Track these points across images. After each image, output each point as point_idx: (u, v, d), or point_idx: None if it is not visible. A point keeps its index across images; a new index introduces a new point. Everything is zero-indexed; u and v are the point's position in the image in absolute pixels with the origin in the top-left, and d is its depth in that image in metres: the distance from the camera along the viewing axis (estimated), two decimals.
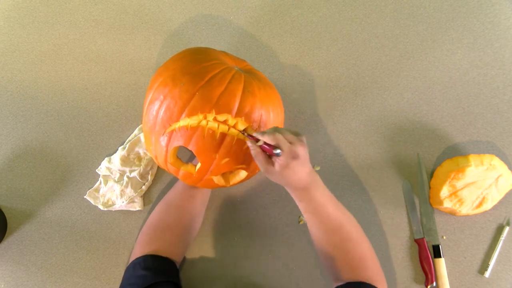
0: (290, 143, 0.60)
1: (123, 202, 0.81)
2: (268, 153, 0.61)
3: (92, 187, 0.84)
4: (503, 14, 0.89)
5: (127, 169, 0.82)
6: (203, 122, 0.64)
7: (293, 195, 0.67)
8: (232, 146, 0.65)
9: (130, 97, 0.88)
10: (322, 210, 0.66)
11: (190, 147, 0.65)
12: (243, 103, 0.65)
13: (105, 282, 0.81)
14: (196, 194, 0.77)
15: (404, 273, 0.80)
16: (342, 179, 0.84)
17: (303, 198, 0.66)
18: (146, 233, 0.74)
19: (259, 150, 0.62)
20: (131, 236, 0.83)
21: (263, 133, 0.61)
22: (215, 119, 0.64)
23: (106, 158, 0.84)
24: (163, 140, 0.66)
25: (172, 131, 0.65)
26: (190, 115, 0.63)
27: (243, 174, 0.71)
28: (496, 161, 0.79)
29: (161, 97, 0.65)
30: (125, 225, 0.83)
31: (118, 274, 0.81)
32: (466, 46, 0.88)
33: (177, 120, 0.64)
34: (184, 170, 0.69)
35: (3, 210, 0.83)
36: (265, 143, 0.61)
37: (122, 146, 0.84)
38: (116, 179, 0.83)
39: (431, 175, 0.83)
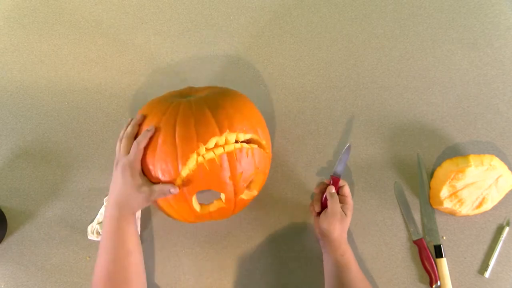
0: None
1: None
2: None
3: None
4: (503, 14, 0.89)
5: None
6: (200, 159, 0.64)
7: (330, 244, 0.72)
8: (236, 160, 0.65)
9: (130, 98, 0.88)
10: (354, 266, 0.71)
11: (206, 187, 0.65)
12: (218, 120, 0.65)
13: None
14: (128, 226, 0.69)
15: (407, 274, 0.79)
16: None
17: (338, 248, 0.71)
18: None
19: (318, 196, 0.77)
20: None
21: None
22: (207, 149, 0.64)
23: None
24: (179, 198, 0.66)
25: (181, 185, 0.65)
26: (185, 162, 0.63)
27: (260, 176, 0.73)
28: (496, 162, 0.79)
29: (151, 164, 0.66)
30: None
31: None
32: (466, 46, 0.88)
33: (179, 173, 0.64)
34: (213, 208, 0.69)
35: (3, 210, 0.83)
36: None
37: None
38: None
39: (431, 175, 0.83)
